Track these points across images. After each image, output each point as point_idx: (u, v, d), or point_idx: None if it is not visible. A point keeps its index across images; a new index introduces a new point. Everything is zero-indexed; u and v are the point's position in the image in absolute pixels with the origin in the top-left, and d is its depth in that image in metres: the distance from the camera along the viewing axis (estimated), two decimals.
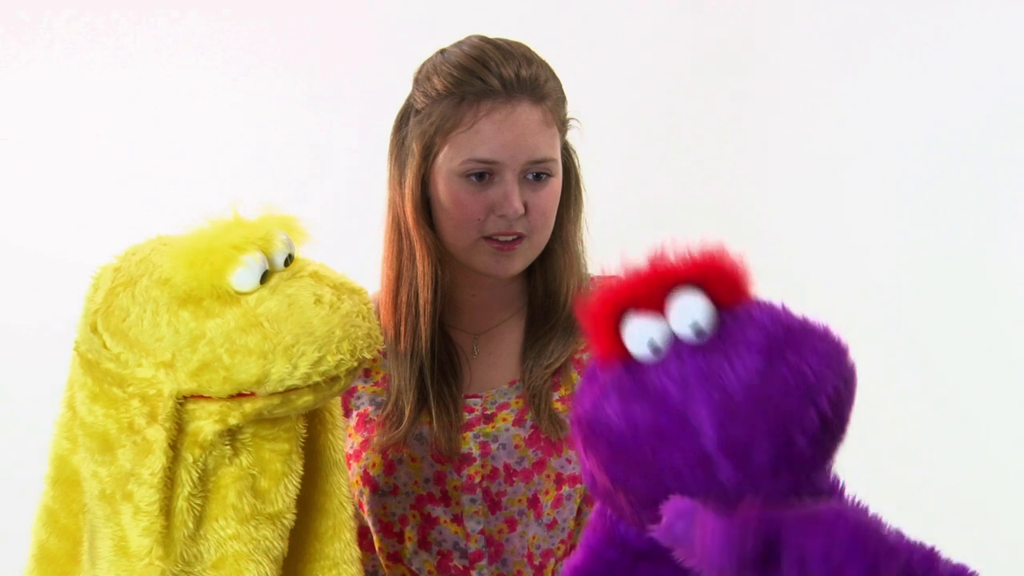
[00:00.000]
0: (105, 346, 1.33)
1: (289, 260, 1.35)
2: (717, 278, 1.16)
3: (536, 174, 1.60)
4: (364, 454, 1.65)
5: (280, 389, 1.29)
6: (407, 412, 1.63)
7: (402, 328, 1.65)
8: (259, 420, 1.34)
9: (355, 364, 1.32)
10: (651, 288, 1.16)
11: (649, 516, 1.14)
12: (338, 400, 1.47)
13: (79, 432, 1.35)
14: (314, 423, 1.45)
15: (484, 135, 1.58)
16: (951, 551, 1.15)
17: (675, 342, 1.16)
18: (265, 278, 1.32)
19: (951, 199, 2.80)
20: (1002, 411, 2.80)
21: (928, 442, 2.79)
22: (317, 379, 1.30)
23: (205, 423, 1.31)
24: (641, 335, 1.16)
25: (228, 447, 1.34)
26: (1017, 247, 2.79)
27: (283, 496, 1.37)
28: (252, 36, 3.03)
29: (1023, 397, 2.79)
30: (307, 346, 1.28)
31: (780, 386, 1.11)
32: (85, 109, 3.05)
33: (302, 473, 1.40)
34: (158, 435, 1.29)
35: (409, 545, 1.65)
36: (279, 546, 1.37)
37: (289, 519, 1.38)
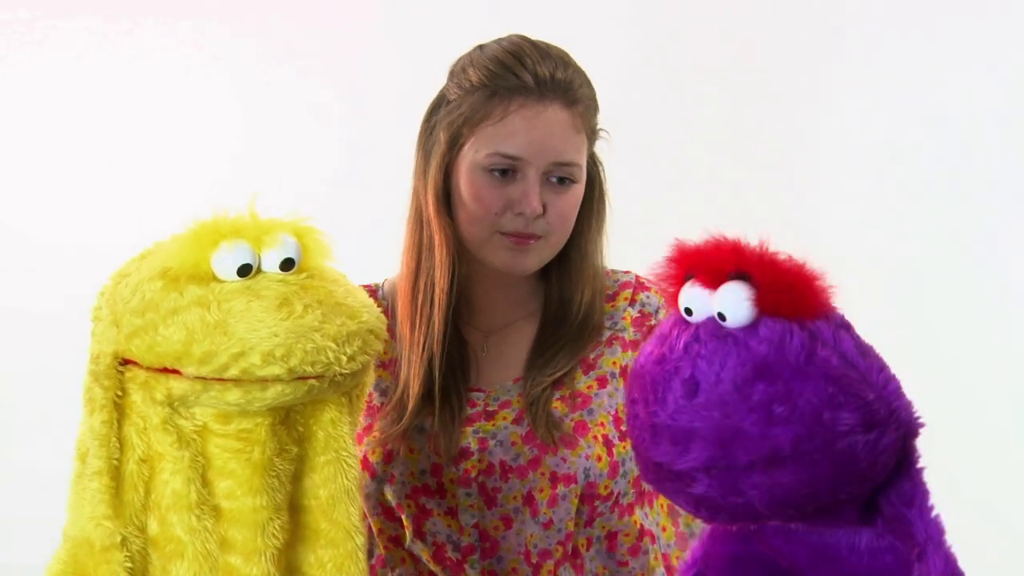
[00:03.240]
0: (98, 305, 1.37)
1: (288, 265, 1.31)
2: (779, 288, 1.15)
3: (559, 178, 1.60)
4: (366, 439, 1.66)
5: (201, 373, 1.28)
6: (410, 407, 1.64)
7: (417, 318, 1.65)
8: (220, 413, 1.32)
9: (285, 372, 1.28)
10: (715, 266, 1.18)
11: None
12: (353, 431, 1.42)
13: None
14: (322, 451, 1.40)
15: (512, 130, 1.58)
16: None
17: (713, 317, 1.18)
18: (250, 273, 1.30)
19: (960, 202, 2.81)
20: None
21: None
22: (236, 374, 1.27)
23: (135, 391, 1.31)
24: (684, 300, 1.19)
25: (173, 431, 1.31)
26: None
27: (232, 495, 1.34)
28: (261, 37, 3.07)
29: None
30: (238, 338, 1.26)
31: (743, 405, 1.11)
32: (90, 109, 3.08)
33: (268, 481, 1.36)
34: (98, 392, 1.31)
35: (408, 532, 1.67)
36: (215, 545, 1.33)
37: (245, 523, 1.34)
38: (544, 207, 1.58)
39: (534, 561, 1.64)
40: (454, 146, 1.61)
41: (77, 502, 1.32)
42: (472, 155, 1.59)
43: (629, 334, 1.68)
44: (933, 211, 2.85)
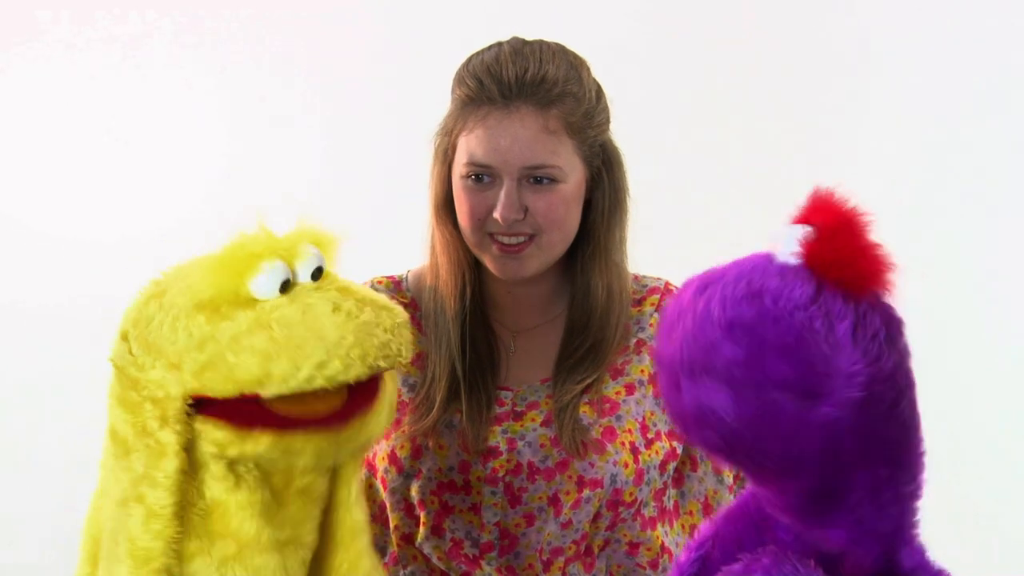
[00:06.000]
0: (130, 352, 1.34)
1: (318, 274, 1.34)
2: (832, 253, 1.19)
3: (537, 178, 1.60)
4: (394, 434, 1.66)
5: (283, 391, 1.27)
6: (437, 402, 1.65)
7: (436, 318, 1.68)
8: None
9: (366, 370, 1.30)
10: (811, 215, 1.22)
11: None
12: None
13: (107, 438, 1.36)
14: None
15: (480, 139, 1.60)
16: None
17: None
18: (287, 288, 1.32)
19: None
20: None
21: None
22: (322, 383, 1.28)
23: (207, 447, 1.32)
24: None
25: (231, 473, 1.33)
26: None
27: (300, 524, 1.37)
28: (264, 37, 3.05)
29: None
30: (314, 348, 1.27)
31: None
32: (85, 109, 3.07)
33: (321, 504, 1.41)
34: (170, 438, 1.30)
35: (423, 530, 1.67)
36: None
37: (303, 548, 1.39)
38: (527, 209, 1.60)
39: (545, 558, 1.64)
40: (445, 158, 1.65)
41: (128, 552, 1.30)
42: (457, 167, 1.63)
43: None
44: (945, 211, 2.85)
